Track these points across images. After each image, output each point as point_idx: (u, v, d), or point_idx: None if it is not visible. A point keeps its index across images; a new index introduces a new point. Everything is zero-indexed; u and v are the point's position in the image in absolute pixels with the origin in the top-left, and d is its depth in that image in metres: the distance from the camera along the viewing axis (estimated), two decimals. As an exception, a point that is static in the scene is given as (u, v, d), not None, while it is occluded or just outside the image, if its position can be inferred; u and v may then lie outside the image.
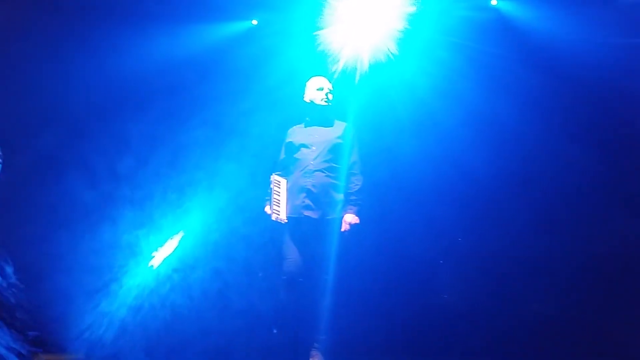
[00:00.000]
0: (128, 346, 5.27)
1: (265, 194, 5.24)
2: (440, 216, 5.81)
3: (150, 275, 5.58)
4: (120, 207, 5.56)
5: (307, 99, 5.30)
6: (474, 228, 5.84)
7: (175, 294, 5.56)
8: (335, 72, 5.54)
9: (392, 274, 5.80)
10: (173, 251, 5.67)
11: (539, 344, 5.40)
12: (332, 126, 5.28)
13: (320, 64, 5.62)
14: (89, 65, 5.66)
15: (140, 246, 5.59)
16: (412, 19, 5.58)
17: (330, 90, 5.29)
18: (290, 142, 5.28)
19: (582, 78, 5.50)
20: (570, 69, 5.54)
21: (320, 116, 5.28)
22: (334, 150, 5.18)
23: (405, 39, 5.63)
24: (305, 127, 5.32)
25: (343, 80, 5.56)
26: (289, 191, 5.17)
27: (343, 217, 5.14)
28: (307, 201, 5.12)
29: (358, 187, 5.19)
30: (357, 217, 5.14)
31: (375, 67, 5.63)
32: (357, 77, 5.59)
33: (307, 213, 5.12)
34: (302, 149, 5.21)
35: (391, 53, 5.61)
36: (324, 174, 5.15)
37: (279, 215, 5.14)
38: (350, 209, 5.15)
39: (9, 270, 4.04)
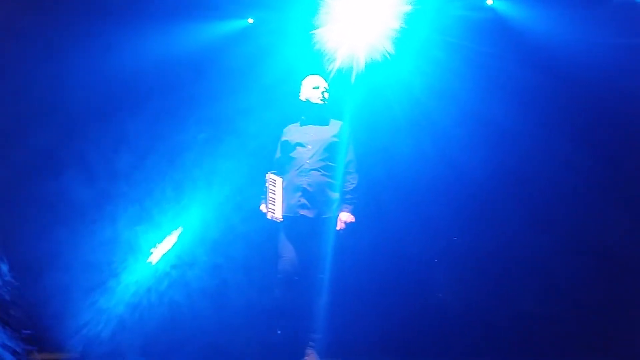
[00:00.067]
0: (126, 343, 5.29)
1: (262, 192, 5.25)
2: (436, 215, 5.82)
3: (148, 272, 5.58)
4: (118, 204, 5.57)
5: (302, 97, 5.30)
6: (469, 227, 5.86)
7: (174, 291, 5.58)
8: (331, 71, 5.52)
9: (388, 273, 5.80)
10: (171, 248, 5.68)
11: (535, 343, 5.43)
12: (327, 125, 5.28)
13: (316, 63, 5.61)
14: (86, 63, 5.65)
15: (138, 243, 5.60)
16: (408, 18, 5.57)
17: (326, 89, 5.29)
18: (286, 140, 5.29)
19: (577, 77, 5.51)
20: (566, 68, 5.54)
21: (316, 115, 5.28)
22: (330, 149, 5.18)
23: (401, 38, 5.62)
24: (301, 125, 5.31)
25: (339, 80, 5.54)
26: (285, 190, 5.18)
27: (338, 216, 5.15)
28: (303, 200, 5.13)
29: (353, 185, 5.19)
30: (352, 216, 5.16)
31: (371, 66, 5.62)
32: (353, 77, 5.57)
33: (302, 212, 5.13)
34: (298, 147, 5.21)
35: (387, 52, 5.60)
36: (320, 173, 5.15)
37: (274, 214, 5.16)
38: (346, 208, 5.16)
39: (4, 268, 4.04)
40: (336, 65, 5.57)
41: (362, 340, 5.45)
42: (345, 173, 5.20)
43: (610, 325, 5.39)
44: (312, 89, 5.27)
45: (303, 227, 5.13)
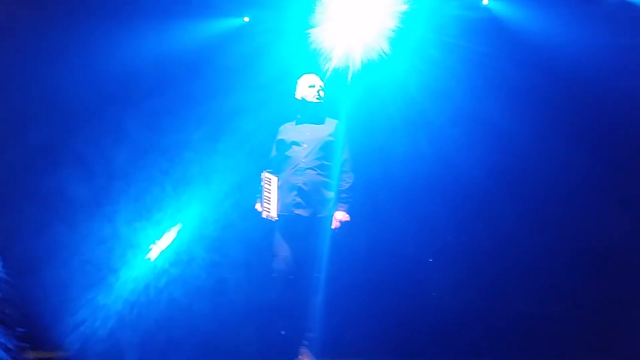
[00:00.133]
0: (124, 340, 5.30)
1: (258, 190, 5.25)
2: (432, 215, 5.83)
3: (146, 269, 5.59)
4: (117, 201, 5.59)
5: (298, 96, 5.29)
6: (466, 227, 5.86)
7: (172, 288, 5.58)
8: (327, 70, 5.52)
9: (384, 272, 5.82)
10: (170, 245, 5.69)
11: (532, 343, 5.41)
12: (323, 124, 5.26)
13: (312, 62, 5.61)
14: (83, 61, 5.69)
15: (136, 240, 5.62)
16: (404, 18, 5.56)
17: (321, 87, 5.27)
18: (282, 139, 5.27)
19: (572, 77, 5.52)
20: (561, 68, 5.55)
21: (311, 114, 5.27)
22: (325, 148, 5.17)
23: (397, 38, 5.61)
24: (296, 124, 5.30)
25: (335, 79, 5.55)
26: (280, 189, 5.16)
27: (334, 214, 5.15)
28: (298, 199, 5.12)
29: (349, 184, 5.18)
30: (347, 215, 5.15)
31: (367, 65, 5.61)
32: (349, 76, 5.57)
33: (297, 211, 5.11)
34: (293, 146, 5.19)
35: (383, 51, 5.59)
36: (315, 172, 5.14)
37: (269, 212, 5.13)
38: (341, 207, 5.15)
39: (-2, 265, 4.08)
40: (332, 64, 5.57)
41: (357, 339, 5.43)
42: (341, 172, 5.19)
43: (609, 324, 5.39)
44: (307, 87, 5.26)
45: (298, 226, 5.11)
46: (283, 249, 5.15)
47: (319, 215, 5.12)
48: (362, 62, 5.60)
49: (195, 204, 5.74)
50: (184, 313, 5.52)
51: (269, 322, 5.34)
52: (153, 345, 5.30)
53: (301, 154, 5.16)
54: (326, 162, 5.17)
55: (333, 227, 5.12)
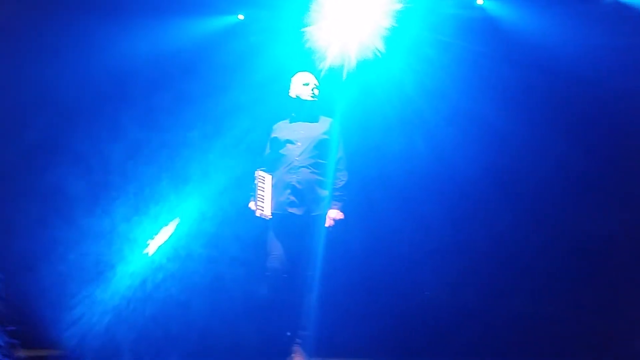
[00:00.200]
0: (120, 335, 5.33)
1: (252, 189, 5.26)
2: (428, 214, 5.82)
3: (143, 264, 5.60)
4: (114, 196, 5.62)
5: (292, 94, 5.28)
6: (462, 226, 5.84)
7: (169, 284, 5.60)
8: (322, 69, 5.51)
9: (378, 271, 5.82)
10: (167, 240, 5.71)
11: (528, 342, 5.41)
12: (317, 122, 5.25)
13: (307, 60, 5.59)
14: (79, 59, 5.71)
15: (134, 235, 5.65)
16: (399, 16, 5.54)
17: (316, 85, 5.26)
18: (276, 137, 5.25)
19: (568, 76, 5.51)
20: (556, 67, 5.54)
21: (305, 112, 5.25)
22: (320, 147, 5.16)
23: (392, 37, 5.59)
24: (290, 122, 5.29)
25: (330, 78, 5.53)
26: (274, 187, 5.15)
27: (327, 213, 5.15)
28: (292, 198, 5.11)
29: (343, 183, 5.17)
30: (341, 213, 5.14)
31: (362, 64, 5.59)
32: (344, 75, 5.56)
33: (291, 210, 5.11)
34: (287, 144, 5.18)
35: (378, 50, 5.58)
36: (309, 170, 5.13)
37: (263, 211, 5.13)
38: (335, 205, 5.15)
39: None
40: (327, 63, 5.55)
41: (351, 338, 5.46)
42: (335, 170, 5.18)
43: (604, 322, 5.38)
44: (302, 85, 5.24)
45: (292, 224, 5.11)
46: (277, 248, 5.15)
47: (313, 214, 5.12)
48: (357, 61, 5.58)
49: (192, 199, 5.75)
50: (181, 309, 5.54)
51: (265, 319, 5.36)
52: (149, 340, 5.31)
53: (295, 152, 5.15)
54: (320, 161, 5.16)
55: (327, 225, 5.12)
